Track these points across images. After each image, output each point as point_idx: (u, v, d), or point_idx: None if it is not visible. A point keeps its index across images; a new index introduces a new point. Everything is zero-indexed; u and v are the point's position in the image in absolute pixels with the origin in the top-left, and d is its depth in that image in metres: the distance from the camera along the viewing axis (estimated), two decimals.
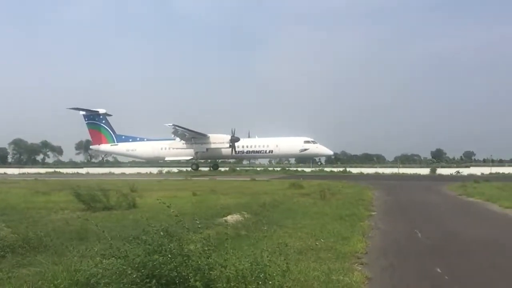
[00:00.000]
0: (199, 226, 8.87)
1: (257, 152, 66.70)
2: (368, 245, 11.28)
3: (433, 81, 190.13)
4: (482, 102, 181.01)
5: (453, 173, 64.67)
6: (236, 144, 64.86)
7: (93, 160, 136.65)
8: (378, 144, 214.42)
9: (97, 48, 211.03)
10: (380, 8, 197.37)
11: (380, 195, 27.09)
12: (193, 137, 64.27)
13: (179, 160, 70.05)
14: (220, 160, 74.95)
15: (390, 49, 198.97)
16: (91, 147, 75.40)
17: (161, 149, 68.40)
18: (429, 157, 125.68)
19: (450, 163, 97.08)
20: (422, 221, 16.42)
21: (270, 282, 6.17)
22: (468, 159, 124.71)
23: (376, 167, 79.54)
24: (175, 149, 66.69)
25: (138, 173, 70.13)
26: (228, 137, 64.06)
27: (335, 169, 76.12)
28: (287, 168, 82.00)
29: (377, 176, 60.51)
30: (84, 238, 11.26)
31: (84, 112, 71.33)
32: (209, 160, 72.18)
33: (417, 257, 10.31)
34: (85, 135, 79.81)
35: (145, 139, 70.69)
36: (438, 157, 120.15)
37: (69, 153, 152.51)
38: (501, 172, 66.10)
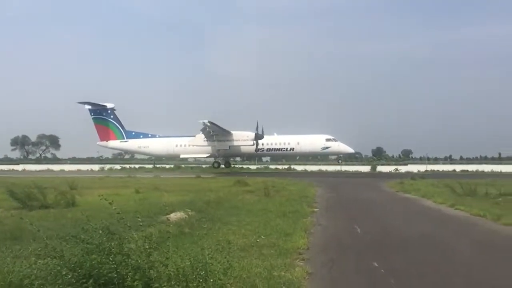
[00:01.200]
0: (141, 224, 8.70)
1: (278, 149, 63.60)
2: (309, 241, 11.53)
3: (375, 81, 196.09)
4: (419, 103, 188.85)
5: (392, 171, 67.26)
6: None
7: (30, 156, 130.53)
8: None
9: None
10: (329, 7, 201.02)
11: (323, 192, 27.73)
12: (217, 134, 60.85)
13: (195, 158, 67.92)
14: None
15: (336, 49, 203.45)
16: (98, 143, 68.79)
17: (176, 146, 64.60)
18: (370, 155, 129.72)
19: (390, 160, 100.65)
20: (362, 217, 16.98)
21: (211, 280, 6.17)
22: (406, 157, 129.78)
23: (319, 165, 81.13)
24: (192, 147, 63.60)
25: (79, 170, 67.98)
26: (253, 134, 60.59)
27: (280, 167, 77.06)
28: (232, 166, 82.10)
29: (320, 173, 61.85)
30: (19, 237, 10.80)
31: (90, 107, 66.48)
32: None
33: (356, 252, 10.65)
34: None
35: (157, 136, 66.98)
36: (378, 155, 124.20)
37: (4, 149, 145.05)
38: (436, 169, 69.39)
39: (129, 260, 6.08)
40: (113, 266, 5.98)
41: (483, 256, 10.45)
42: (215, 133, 60.27)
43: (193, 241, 10.31)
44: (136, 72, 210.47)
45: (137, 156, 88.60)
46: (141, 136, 67.00)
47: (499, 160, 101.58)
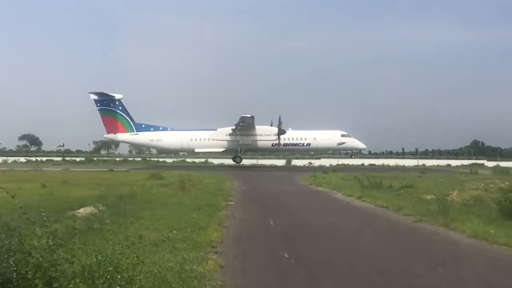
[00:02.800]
0: (46, 219, 8.22)
1: (295, 144, 63.54)
2: (223, 234, 11.61)
3: (295, 77, 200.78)
4: (333, 99, 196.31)
5: (306, 164, 69.64)
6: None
7: None
8: None
9: None
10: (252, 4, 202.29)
11: (239, 185, 28.03)
12: (244, 128, 59.77)
13: (210, 152, 64.48)
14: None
15: (260, 45, 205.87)
16: (104, 136, 65.32)
17: (191, 140, 62.42)
18: None
19: (304, 155, 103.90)
20: (276, 209, 17.42)
21: (119, 276, 5.99)
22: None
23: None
24: (208, 141, 61.78)
25: None
26: (276, 129, 60.40)
27: (197, 160, 76.66)
28: (148, 159, 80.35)
29: (238, 166, 62.40)
30: None
31: (96, 97, 62.07)
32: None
33: (269, 244, 10.92)
34: None
35: (169, 129, 64.24)
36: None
37: None
38: (346, 163, 72.72)
39: (30, 258, 5.74)
40: (12, 265, 5.62)
41: (384, 244, 11.17)
42: (246, 127, 59.47)
43: (103, 237, 9.91)
44: None
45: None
46: (152, 129, 64.05)
47: (402, 155, 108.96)
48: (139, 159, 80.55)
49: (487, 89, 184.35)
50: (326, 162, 71.56)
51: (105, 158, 75.81)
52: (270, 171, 50.71)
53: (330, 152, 75.65)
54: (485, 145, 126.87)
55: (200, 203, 17.27)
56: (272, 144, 61.20)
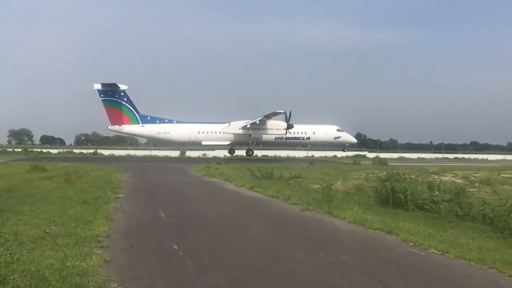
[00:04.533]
0: None
1: (296, 138, 66.05)
2: (110, 228, 11.19)
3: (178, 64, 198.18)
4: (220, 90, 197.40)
5: (201, 156, 69.51)
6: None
7: None
8: None
9: None
10: None
11: (129, 177, 27.20)
12: (259, 123, 61.43)
13: (215, 145, 65.65)
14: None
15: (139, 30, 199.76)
16: (109, 127, 62.21)
17: (199, 133, 62.78)
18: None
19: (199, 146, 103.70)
20: (167, 201, 17.19)
21: None
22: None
23: (128, 149, 79.25)
24: (215, 134, 62.98)
25: None
26: (285, 124, 62.09)
27: (85, 151, 72.89)
28: (29, 149, 74.66)
29: (129, 158, 60.53)
30: None
31: (100, 87, 58.97)
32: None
33: (158, 236, 10.74)
34: None
35: (174, 121, 63.58)
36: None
37: None
38: (240, 155, 73.92)
39: None
40: None
41: (273, 232, 11.57)
42: (263, 122, 61.27)
43: None
44: None
45: None
46: (157, 122, 62.99)
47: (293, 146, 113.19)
48: (19, 149, 74.41)
49: (370, 88, 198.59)
50: (220, 153, 71.90)
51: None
52: (162, 162, 49.84)
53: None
54: (367, 138, 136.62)
55: (86, 196, 16.43)
56: (276, 137, 63.86)
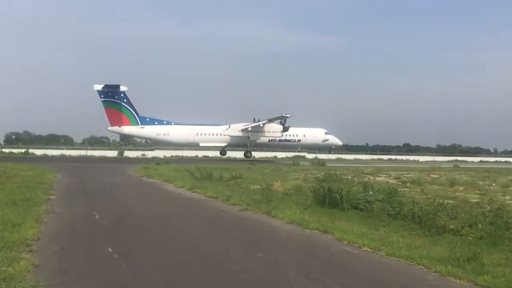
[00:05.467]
0: None
1: (288, 141, 67.09)
2: (41, 231, 10.70)
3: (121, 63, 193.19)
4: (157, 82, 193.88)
5: (139, 156, 68.13)
6: None
7: None
8: (66, 125, 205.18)
9: None
10: None
11: (63, 178, 26.16)
12: (256, 125, 63.24)
13: (211, 146, 65.80)
14: None
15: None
16: (108, 128, 61.54)
17: (197, 134, 63.43)
18: (118, 139, 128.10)
19: (138, 146, 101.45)
20: (103, 203, 16.69)
21: None
22: (154, 143, 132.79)
23: (63, 149, 76.06)
24: (212, 136, 64.02)
25: None
26: (281, 127, 63.87)
27: (15, 150, 69.20)
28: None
29: (62, 158, 58.17)
30: None
31: (100, 88, 58.38)
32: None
33: (92, 238, 10.37)
34: None
35: (172, 123, 63.66)
36: (126, 140, 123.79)
37: None
38: (180, 155, 73.18)
39: None
40: None
41: (211, 233, 11.54)
42: (264, 124, 62.73)
43: None
44: None
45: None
46: (156, 123, 62.95)
47: (235, 146, 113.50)
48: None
49: (311, 88, 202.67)
50: (160, 153, 70.76)
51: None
52: (99, 162, 48.30)
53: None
54: None
55: (15, 198, 15.58)
56: (269, 140, 65.75)
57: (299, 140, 68.62)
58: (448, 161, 73.00)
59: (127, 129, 62.29)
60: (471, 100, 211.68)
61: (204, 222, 13.11)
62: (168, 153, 71.55)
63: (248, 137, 64.55)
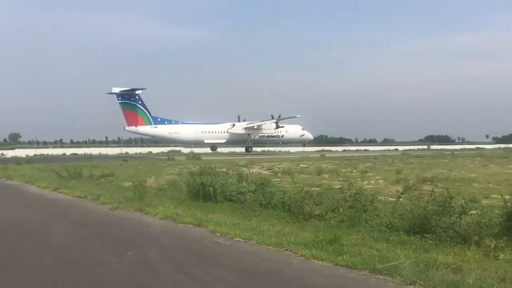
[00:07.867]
0: None
1: (273, 136, 74.12)
2: None
3: None
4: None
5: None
6: None
7: None
8: None
9: None
10: None
11: None
12: (263, 123, 71.12)
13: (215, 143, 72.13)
14: None
15: None
16: (126, 128, 65.94)
17: (202, 132, 69.84)
18: None
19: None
20: None
21: None
22: (13, 141, 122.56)
23: None
24: (215, 133, 70.69)
25: None
26: (274, 124, 70.87)
27: None
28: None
29: None
30: None
31: (118, 91, 63.67)
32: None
33: None
34: None
35: (180, 122, 69.56)
36: None
37: None
38: (45, 153, 68.19)
39: None
40: None
41: (77, 235, 10.89)
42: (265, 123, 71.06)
43: None
44: None
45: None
46: (166, 122, 67.89)
47: (106, 143, 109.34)
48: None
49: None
50: (22, 152, 65.04)
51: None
52: None
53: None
54: None
55: None
56: (260, 136, 72.47)
57: (282, 136, 75.76)
58: (316, 151, 77.66)
59: (143, 129, 67.10)
60: (332, 97, 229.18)
61: (70, 224, 12.32)
62: (30, 152, 66.13)
63: (249, 134, 72.03)
